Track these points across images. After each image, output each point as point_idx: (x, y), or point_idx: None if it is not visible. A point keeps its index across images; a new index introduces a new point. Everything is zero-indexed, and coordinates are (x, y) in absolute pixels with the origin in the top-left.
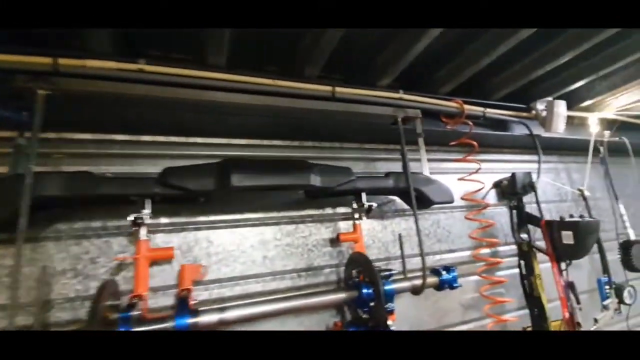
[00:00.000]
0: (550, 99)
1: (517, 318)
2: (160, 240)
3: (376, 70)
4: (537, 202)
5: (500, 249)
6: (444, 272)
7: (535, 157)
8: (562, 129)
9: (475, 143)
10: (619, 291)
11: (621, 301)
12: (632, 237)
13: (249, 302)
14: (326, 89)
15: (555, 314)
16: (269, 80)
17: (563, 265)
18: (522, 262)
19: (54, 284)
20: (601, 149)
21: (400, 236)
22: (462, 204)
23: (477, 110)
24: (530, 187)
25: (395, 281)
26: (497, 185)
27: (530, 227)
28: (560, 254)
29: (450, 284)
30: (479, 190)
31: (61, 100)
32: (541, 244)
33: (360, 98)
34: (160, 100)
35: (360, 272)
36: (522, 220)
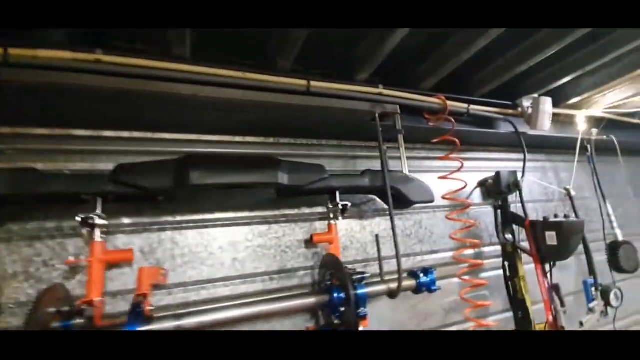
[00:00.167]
0: (536, 95)
1: (497, 323)
2: (121, 241)
3: (353, 63)
4: (522, 202)
5: (485, 249)
6: (421, 275)
7: (521, 156)
8: (547, 126)
9: (457, 141)
10: (605, 293)
11: (607, 304)
12: (620, 237)
13: (212, 308)
14: (300, 82)
15: (540, 317)
16: (238, 73)
17: (547, 267)
18: (507, 264)
19: (5, 288)
20: (589, 147)
21: (377, 237)
22: (445, 203)
23: (461, 106)
24: (515, 186)
25: (369, 284)
26: (482, 184)
27: (515, 227)
28: (544, 255)
29: (428, 287)
30: (462, 189)
31: (15, 93)
32: (526, 244)
33: (336, 93)
34: (119, 92)
35: (333, 276)
36: (507, 220)
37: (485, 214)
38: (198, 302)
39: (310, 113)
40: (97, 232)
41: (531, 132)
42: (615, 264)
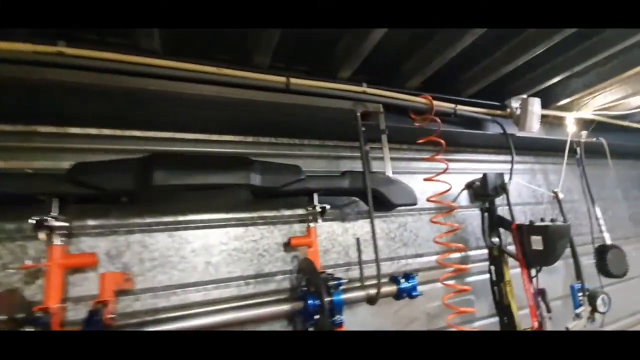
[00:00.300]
0: (524, 96)
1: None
2: (86, 244)
3: (334, 61)
4: (509, 205)
5: (472, 253)
6: (402, 280)
7: (510, 157)
8: (536, 128)
9: (442, 141)
10: (592, 299)
11: (594, 309)
12: (608, 241)
13: (178, 316)
14: (279, 79)
15: (526, 322)
16: (212, 68)
17: (533, 272)
18: (493, 268)
19: None
20: (578, 149)
21: (358, 240)
22: (431, 205)
23: (448, 106)
24: (502, 188)
25: (347, 290)
26: (469, 186)
27: (502, 230)
28: (530, 260)
29: (409, 293)
30: (446, 191)
31: None
32: (513, 248)
33: (317, 91)
34: (84, 87)
35: (308, 281)
36: (494, 223)
37: (472, 217)
38: (168, 309)
39: (291, 111)
40: (55, 235)
41: (520, 134)
42: (603, 269)
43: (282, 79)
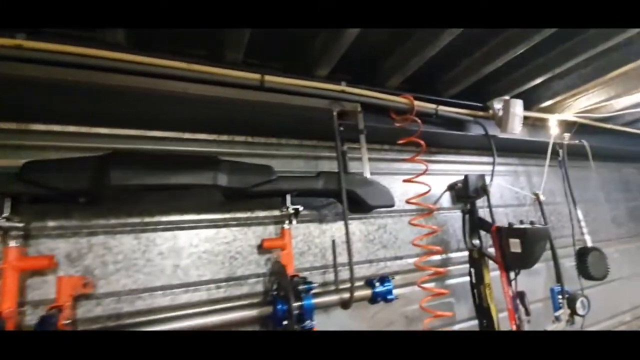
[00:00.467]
0: (507, 97)
1: None
2: (46, 246)
3: (311, 59)
4: (489, 207)
5: (453, 255)
6: (377, 284)
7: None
8: (518, 129)
9: (422, 142)
10: (571, 301)
11: (574, 312)
12: (589, 243)
13: (141, 322)
14: (253, 76)
15: (506, 325)
16: (182, 64)
17: (512, 275)
18: (473, 270)
19: None
20: (560, 151)
21: (333, 242)
22: (412, 207)
23: (429, 107)
24: (483, 190)
25: (320, 294)
26: (452, 187)
27: (483, 233)
28: (509, 263)
29: (384, 297)
30: (426, 193)
31: None
32: (493, 251)
33: (293, 89)
34: (44, 82)
35: (279, 285)
36: (474, 225)
37: (454, 219)
38: (132, 314)
39: (266, 110)
40: (10, 237)
41: (502, 135)
42: (583, 271)
43: (257, 76)
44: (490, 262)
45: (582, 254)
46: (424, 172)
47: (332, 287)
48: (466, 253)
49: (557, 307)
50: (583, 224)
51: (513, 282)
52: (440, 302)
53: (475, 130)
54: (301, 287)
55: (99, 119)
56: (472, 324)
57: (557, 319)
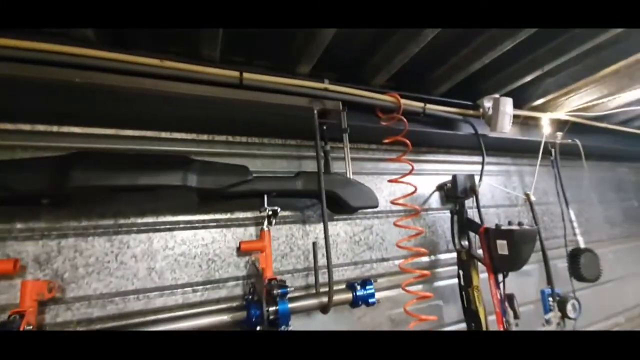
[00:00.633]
0: (497, 96)
1: None
2: (12, 249)
3: (291, 55)
4: (478, 207)
5: (442, 256)
6: (359, 287)
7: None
8: (507, 128)
9: (407, 142)
10: (562, 304)
11: (564, 315)
12: (582, 244)
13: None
14: (231, 74)
15: (494, 329)
16: (154, 61)
17: (500, 277)
18: (461, 272)
19: None
20: (553, 151)
21: (314, 244)
22: (399, 208)
23: (416, 105)
24: (472, 190)
25: (298, 298)
26: (441, 187)
27: (472, 234)
28: (497, 265)
29: (366, 301)
30: (412, 194)
31: None
32: (481, 252)
33: (273, 86)
34: (8, 79)
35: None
36: (463, 226)
37: (443, 219)
38: (103, 318)
39: (246, 108)
40: None
41: (492, 134)
42: (575, 272)
43: (235, 73)
44: (480, 264)
45: (575, 255)
46: (410, 172)
47: (313, 291)
48: (455, 254)
49: (547, 310)
50: (576, 224)
51: (502, 285)
52: (427, 305)
53: (465, 129)
54: (276, 291)
55: (70, 117)
56: (461, 327)
57: (547, 322)
